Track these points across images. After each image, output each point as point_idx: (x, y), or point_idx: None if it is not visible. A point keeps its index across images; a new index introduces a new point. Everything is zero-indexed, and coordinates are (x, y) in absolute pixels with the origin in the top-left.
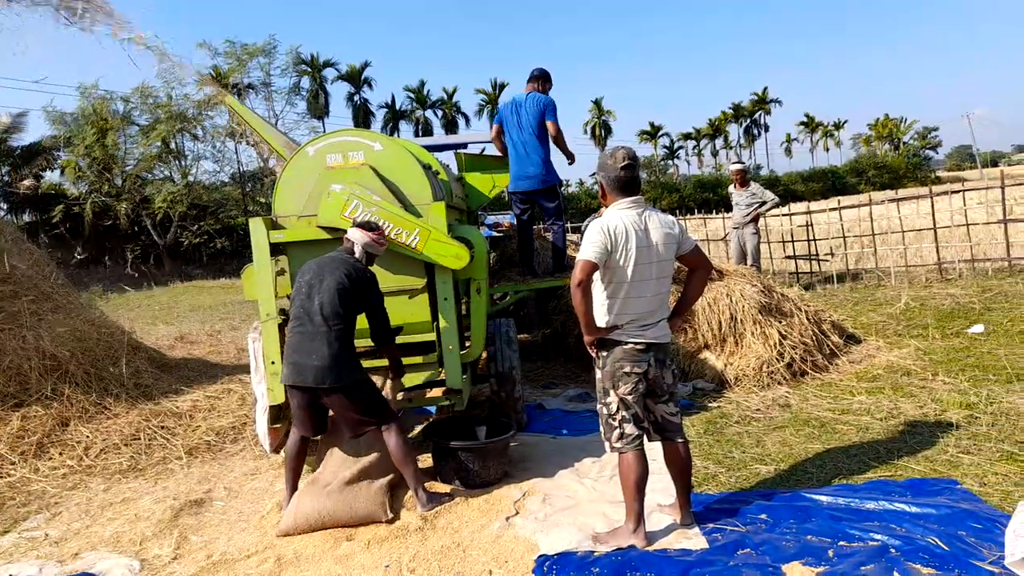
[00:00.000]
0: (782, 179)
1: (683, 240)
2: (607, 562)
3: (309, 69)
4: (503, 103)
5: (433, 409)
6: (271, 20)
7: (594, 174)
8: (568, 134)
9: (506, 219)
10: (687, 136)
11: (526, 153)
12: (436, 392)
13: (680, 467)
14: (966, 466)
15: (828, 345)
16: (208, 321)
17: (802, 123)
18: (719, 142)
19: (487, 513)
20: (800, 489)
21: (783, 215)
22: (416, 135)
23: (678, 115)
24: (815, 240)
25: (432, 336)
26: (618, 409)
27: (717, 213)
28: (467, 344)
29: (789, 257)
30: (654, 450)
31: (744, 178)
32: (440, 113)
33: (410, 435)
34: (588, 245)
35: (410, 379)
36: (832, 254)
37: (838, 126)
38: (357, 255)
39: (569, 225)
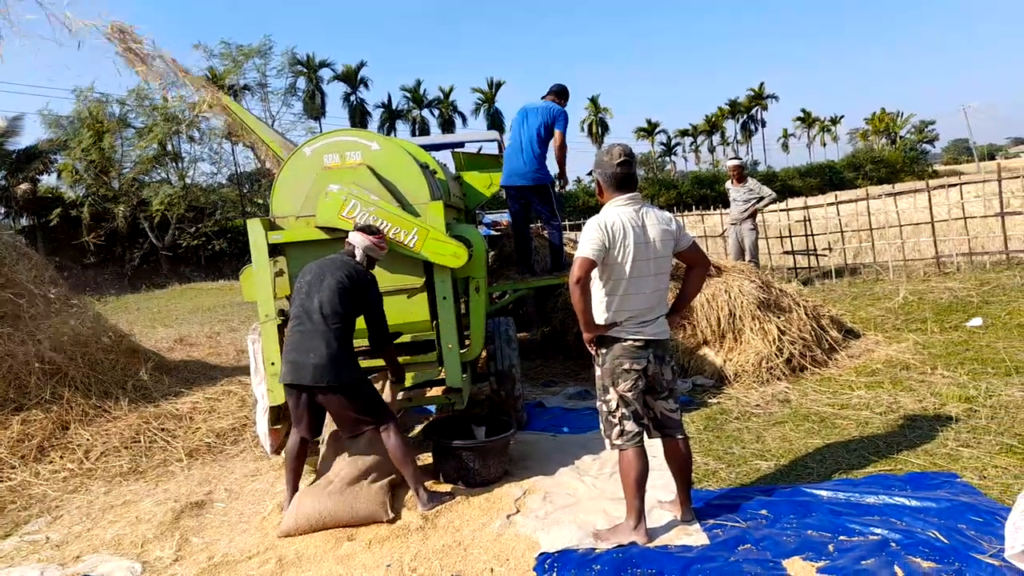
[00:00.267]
0: (779, 175)
1: (680, 237)
2: (608, 559)
3: (305, 70)
4: (519, 109)
5: (433, 408)
6: (267, 21)
7: (591, 172)
8: (568, 134)
9: (504, 218)
10: (684, 133)
11: (521, 149)
12: (436, 391)
13: (680, 463)
14: (965, 459)
15: (827, 340)
16: (207, 323)
17: (799, 118)
18: (716, 138)
19: (488, 512)
20: (800, 484)
21: (781, 210)
22: (413, 135)
23: (675, 113)
24: (813, 235)
25: (431, 335)
26: (618, 406)
27: (715, 209)
28: (466, 343)
29: (787, 252)
30: (654, 447)
31: (741, 174)
32: (437, 112)
33: (410, 434)
34: (586, 242)
35: (410, 378)
36: (830, 249)
37: (835, 121)
38: (358, 258)
39: (567, 223)
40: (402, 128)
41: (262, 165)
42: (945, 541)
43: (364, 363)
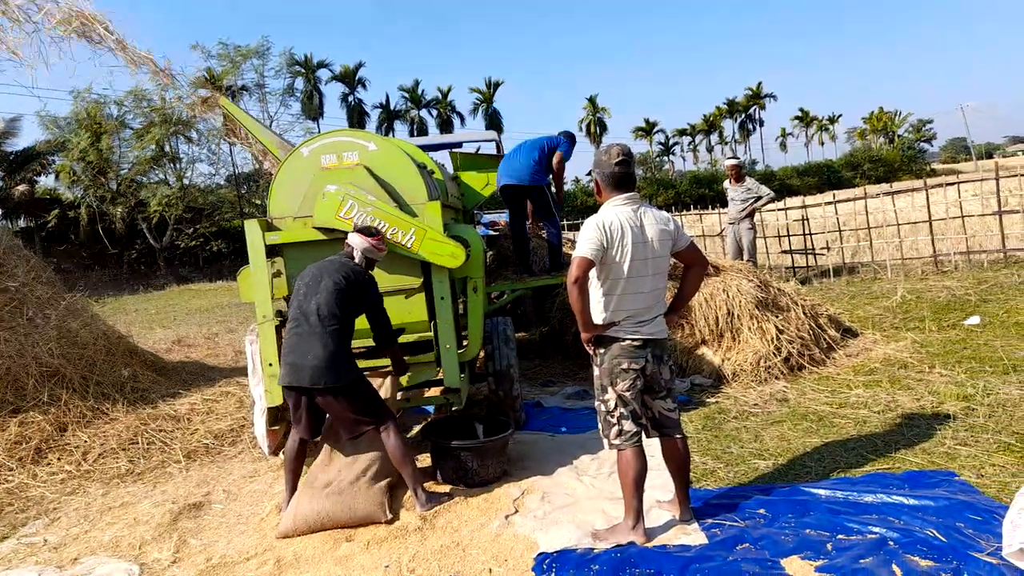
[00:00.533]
0: (777, 174)
1: (678, 236)
2: (606, 559)
3: (303, 70)
4: None
5: (431, 409)
6: (263, 21)
7: (590, 171)
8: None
9: (502, 218)
10: (682, 132)
11: (518, 154)
12: (434, 391)
13: (678, 463)
14: (963, 458)
15: (825, 339)
16: (205, 324)
17: (797, 118)
18: (714, 138)
19: (486, 512)
20: (798, 483)
21: (779, 210)
22: (411, 135)
23: (674, 113)
24: (811, 234)
25: (429, 335)
26: (616, 406)
27: (713, 209)
28: (464, 343)
29: (785, 252)
30: (652, 446)
31: (739, 173)
32: (435, 113)
33: (409, 435)
34: (584, 242)
35: (408, 379)
36: (828, 248)
37: (833, 120)
38: (357, 260)
39: (566, 223)
40: (400, 128)
41: (260, 166)
42: (943, 539)
43: (362, 364)
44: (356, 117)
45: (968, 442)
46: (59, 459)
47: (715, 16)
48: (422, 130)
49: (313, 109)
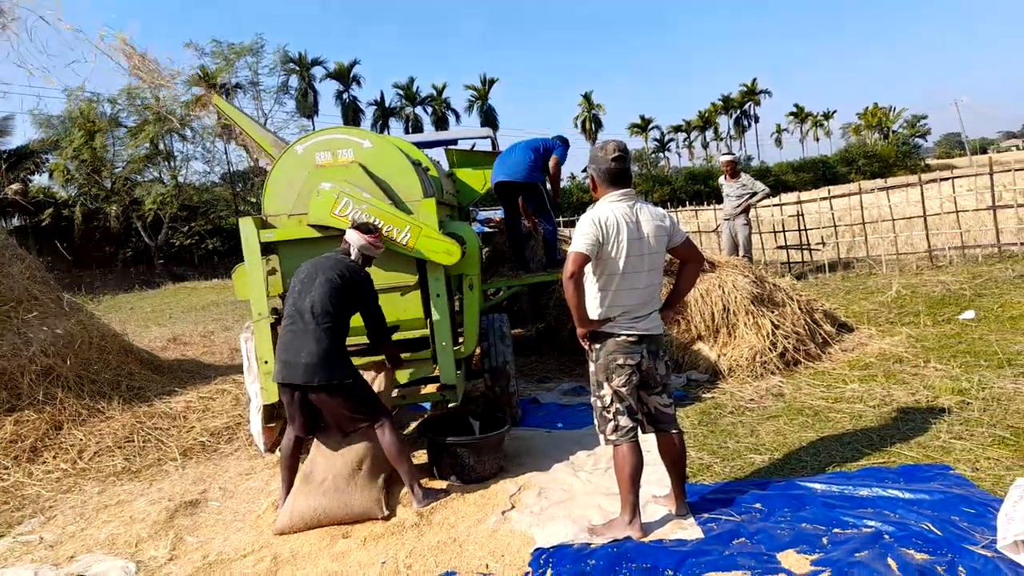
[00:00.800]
0: (773, 169)
1: (674, 232)
2: (603, 554)
3: (297, 68)
4: None
5: (428, 405)
6: (259, 19)
7: (586, 168)
8: (561, 130)
9: (498, 215)
10: (677, 128)
11: (512, 153)
12: (430, 388)
13: (674, 458)
14: (958, 451)
15: (820, 334)
16: (201, 322)
17: (792, 114)
18: (709, 134)
19: (483, 508)
20: (794, 478)
21: (774, 205)
22: (406, 132)
23: (669, 109)
24: (806, 230)
25: (425, 332)
26: (612, 401)
27: (708, 205)
28: (460, 340)
29: (780, 247)
30: (648, 442)
31: (734, 169)
32: (430, 110)
33: (405, 431)
34: (579, 237)
35: (404, 375)
36: (823, 243)
37: (828, 116)
38: (353, 257)
39: (561, 220)
40: (395, 126)
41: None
42: (938, 533)
43: (358, 361)
44: (351, 114)
45: (963, 436)
46: (55, 457)
47: (715, 16)
48: (417, 127)
49: (308, 107)
